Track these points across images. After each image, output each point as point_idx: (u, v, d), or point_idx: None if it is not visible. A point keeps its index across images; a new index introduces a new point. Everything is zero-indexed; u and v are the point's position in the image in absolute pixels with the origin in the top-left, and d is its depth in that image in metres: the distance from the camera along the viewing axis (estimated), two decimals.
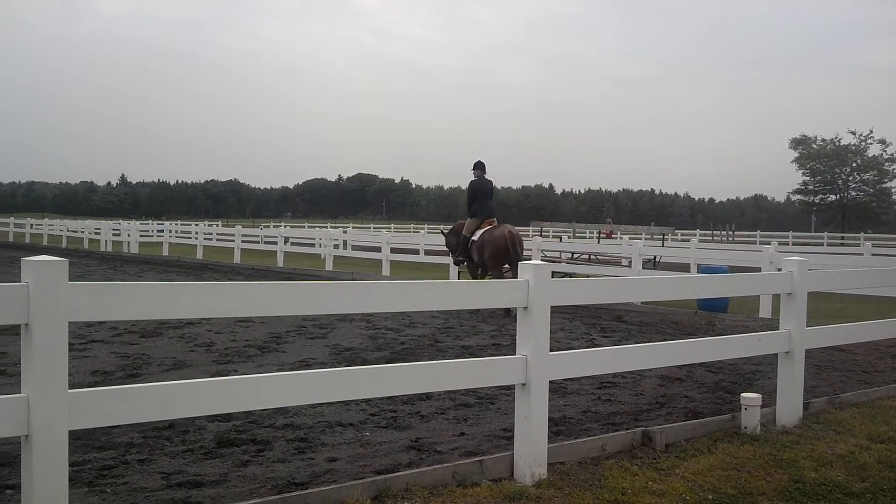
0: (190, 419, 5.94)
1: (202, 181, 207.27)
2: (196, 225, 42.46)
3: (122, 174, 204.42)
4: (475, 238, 14.82)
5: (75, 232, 41.03)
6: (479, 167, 15.19)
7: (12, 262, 24.68)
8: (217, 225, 52.63)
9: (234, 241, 29.10)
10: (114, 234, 36.89)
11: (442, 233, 17.88)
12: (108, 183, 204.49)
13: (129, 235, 35.26)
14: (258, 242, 30.46)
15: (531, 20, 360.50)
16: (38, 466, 3.34)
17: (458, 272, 18.13)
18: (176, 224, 49.27)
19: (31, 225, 45.41)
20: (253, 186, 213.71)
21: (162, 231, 36.76)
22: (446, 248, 16.72)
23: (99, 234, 37.70)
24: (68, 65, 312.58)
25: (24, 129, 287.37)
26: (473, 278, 15.00)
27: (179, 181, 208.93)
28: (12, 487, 4.62)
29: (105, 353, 8.94)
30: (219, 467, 5.13)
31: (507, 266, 14.14)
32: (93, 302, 3.53)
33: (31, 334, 3.33)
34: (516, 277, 15.06)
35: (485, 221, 14.81)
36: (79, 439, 5.40)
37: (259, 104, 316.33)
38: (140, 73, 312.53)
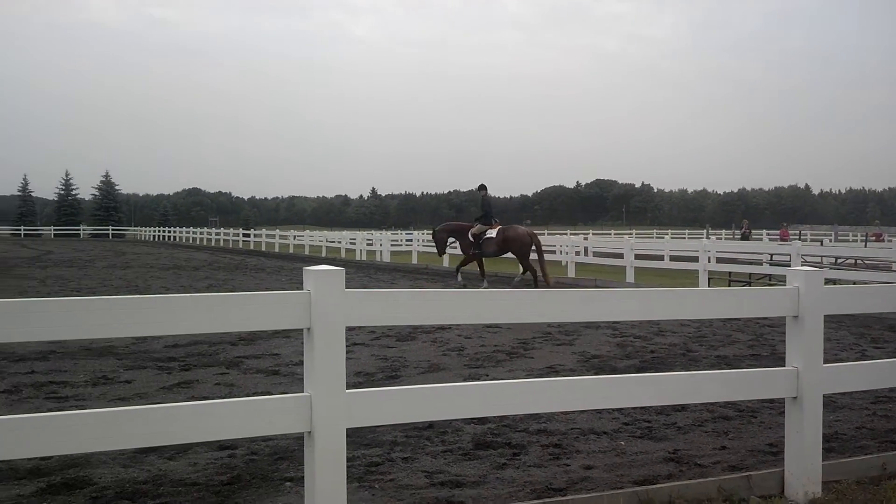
0: (448, 421, 6.14)
1: (445, 192, 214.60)
2: None
3: (373, 187, 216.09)
4: (492, 235, 19.67)
5: (333, 242, 43.83)
6: (485, 188, 20.57)
7: (279, 270, 26.78)
8: None
9: None
10: (367, 244, 39.00)
11: (433, 230, 21.92)
12: (361, 196, 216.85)
13: (381, 245, 37.13)
14: None
15: (773, 12, 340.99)
16: (319, 461, 3.57)
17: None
18: (423, 233, 51.26)
19: (294, 236, 49.03)
20: (494, 196, 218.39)
21: (411, 240, 38.32)
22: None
23: (354, 243, 40.01)
24: (325, 87, 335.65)
25: (286, 148, 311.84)
26: (464, 263, 20.62)
27: (424, 193, 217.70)
28: (291, 479, 4.97)
29: (366, 356, 9.45)
30: (477, 468, 5.25)
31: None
32: (367, 308, 3.73)
33: (313, 338, 3.57)
34: (530, 266, 18.49)
35: (493, 224, 19.89)
36: (348, 437, 5.72)
37: (498, 116, 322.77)
38: (392, 93, 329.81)
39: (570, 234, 58.07)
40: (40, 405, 6.90)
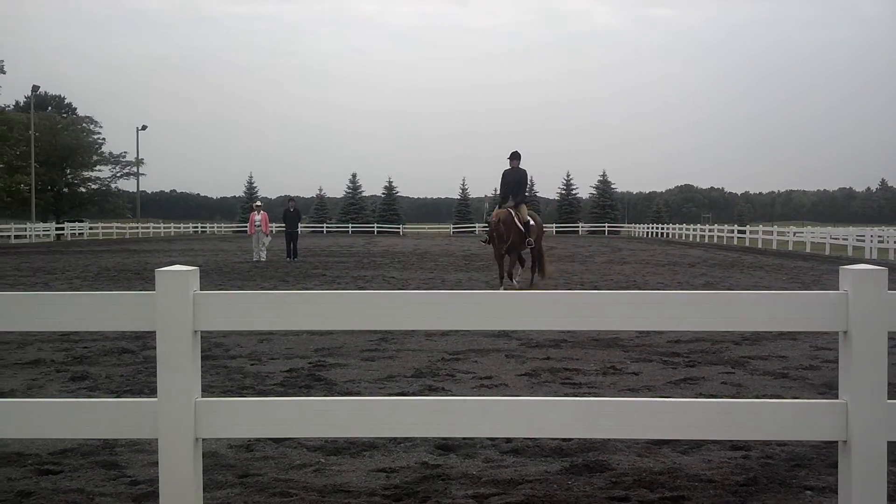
0: None
1: None
2: None
3: (882, 179, 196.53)
4: (533, 222, 16.26)
5: (836, 239, 40.79)
6: (518, 157, 16.23)
7: (778, 269, 25.68)
8: None
9: None
10: (878, 242, 35.62)
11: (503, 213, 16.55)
12: (868, 188, 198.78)
13: (895, 242, 33.64)
14: None
15: None
16: (856, 473, 3.32)
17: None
18: None
19: (793, 233, 46.59)
20: None
21: None
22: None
23: (863, 241, 36.83)
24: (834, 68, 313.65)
25: (780, 141, 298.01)
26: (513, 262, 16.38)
27: None
28: (811, 489, 4.71)
29: None
30: None
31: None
32: None
33: (851, 342, 3.34)
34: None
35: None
36: None
37: None
38: None
39: None
40: (557, 389, 7.44)
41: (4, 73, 66.32)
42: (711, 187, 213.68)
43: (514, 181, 16.43)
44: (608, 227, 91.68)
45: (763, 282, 20.28)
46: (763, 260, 31.51)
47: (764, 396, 7.07)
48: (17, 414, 3.66)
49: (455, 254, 37.11)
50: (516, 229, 16.02)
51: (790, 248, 43.41)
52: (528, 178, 16.71)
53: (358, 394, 7.14)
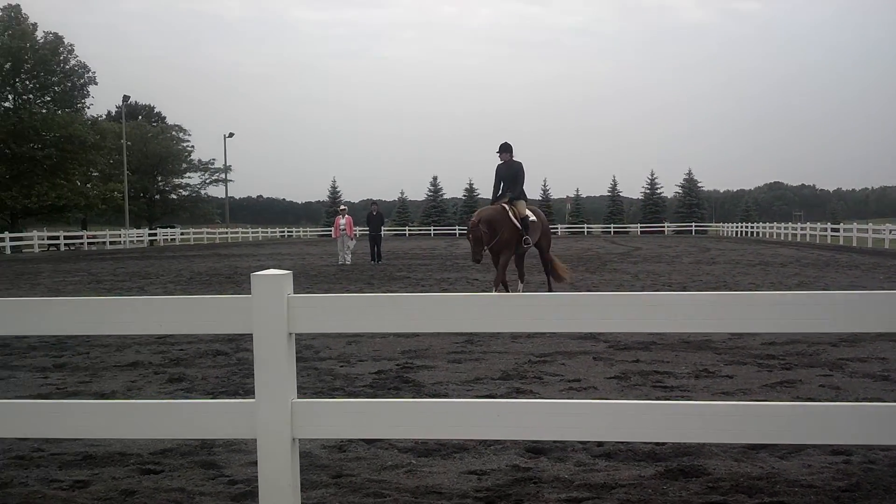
0: None
1: None
2: None
3: None
4: (533, 218, 14.48)
5: None
6: (510, 148, 14.43)
7: (874, 268, 24.78)
8: None
9: None
10: None
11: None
12: None
13: None
14: None
15: None
16: None
17: None
18: None
19: (889, 230, 44.87)
20: None
21: None
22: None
23: None
24: None
25: (874, 134, 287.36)
26: (505, 268, 14.15)
27: None
28: None
29: None
30: None
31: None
32: None
33: None
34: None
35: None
36: None
37: None
38: None
39: None
40: (648, 392, 7.32)
41: (97, 83, 68.66)
42: (802, 184, 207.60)
43: (509, 176, 14.42)
44: (695, 226, 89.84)
45: (860, 281, 19.58)
46: (858, 259, 30.44)
47: (864, 399, 6.82)
48: (119, 415, 3.79)
49: (537, 255, 36.87)
50: (510, 224, 13.92)
51: (886, 245, 41.77)
52: (525, 171, 14.55)
53: (446, 395, 7.16)
